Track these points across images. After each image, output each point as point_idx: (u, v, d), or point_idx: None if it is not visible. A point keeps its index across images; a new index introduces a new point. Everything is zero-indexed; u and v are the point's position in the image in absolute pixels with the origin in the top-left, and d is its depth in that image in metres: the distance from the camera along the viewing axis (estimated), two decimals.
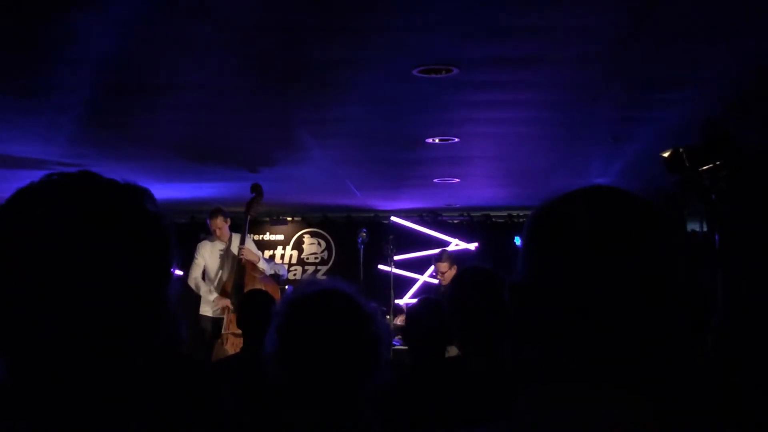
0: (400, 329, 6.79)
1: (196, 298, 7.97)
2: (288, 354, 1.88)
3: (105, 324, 1.03)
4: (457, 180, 8.48)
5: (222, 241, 7.95)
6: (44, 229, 1.02)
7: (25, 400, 1.02)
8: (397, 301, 9.16)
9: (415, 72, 4.52)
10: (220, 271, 7.95)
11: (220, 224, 7.89)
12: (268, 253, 10.31)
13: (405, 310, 8.69)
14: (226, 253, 7.95)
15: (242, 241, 7.77)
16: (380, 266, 9.56)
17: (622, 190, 1.09)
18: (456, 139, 6.41)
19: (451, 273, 7.87)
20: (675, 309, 1.02)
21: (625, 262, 1.02)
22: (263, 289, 6.16)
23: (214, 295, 7.81)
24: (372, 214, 10.70)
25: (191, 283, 7.98)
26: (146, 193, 1.12)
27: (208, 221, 8.01)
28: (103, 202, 1.06)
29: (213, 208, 8.06)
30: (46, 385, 1.02)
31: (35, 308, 1.00)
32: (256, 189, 7.75)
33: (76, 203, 1.05)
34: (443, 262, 8.24)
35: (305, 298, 1.92)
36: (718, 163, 4.76)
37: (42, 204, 1.05)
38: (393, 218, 10.64)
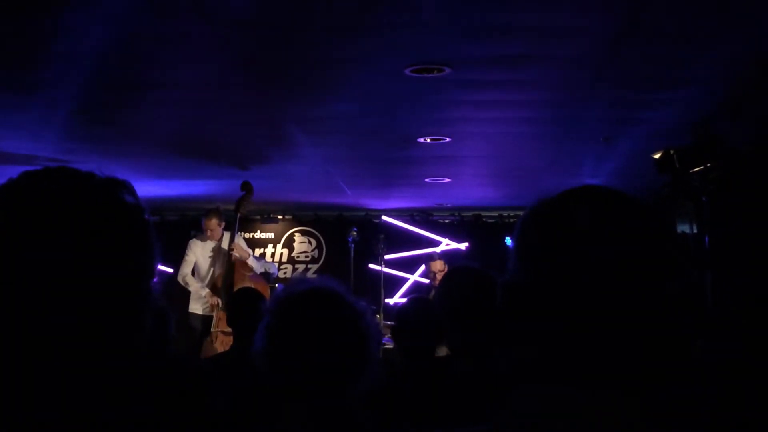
0: (390, 328, 6.79)
1: (185, 296, 7.96)
2: (278, 352, 1.87)
3: (85, 318, 1.02)
4: (449, 180, 8.49)
5: (212, 239, 7.96)
6: (22, 224, 1.02)
7: (11, 399, 1.01)
8: (387, 300, 9.16)
9: (407, 71, 4.52)
10: (211, 269, 7.95)
11: (214, 226, 7.88)
12: (258, 252, 10.29)
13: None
14: (216, 251, 7.95)
15: (232, 239, 7.77)
16: (371, 265, 9.56)
17: (615, 190, 1.09)
18: (448, 139, 6.41)
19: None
20: (668, 309, 1.02)
21: (618, 262, 1.02)
22: (253, 287, 6.15)
23: (206, 290, 7.81)
24: (363, 213, 10.70)
25: (180, 279, 7.98)
26: (125, 185, 1.11)
27: (202, 220, 8.01)
28: (80, 194, 1.06)
29: (210, 208, 8.05)
30: (27, 383, 1.02)
31: (12, 304, 1.00)
32: (246, 187, 7.74)
33: (53, 197, 1.04)
34: (438, 260, 8.26)
35: (295, 296, 1.92)
36: (708, 164, 4.78)
37: (20, 199, 1.04)
38: (384, 217, 10.63)
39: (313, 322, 1.88)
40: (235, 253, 7.70)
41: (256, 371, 1.91)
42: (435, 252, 9.02)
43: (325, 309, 1.90)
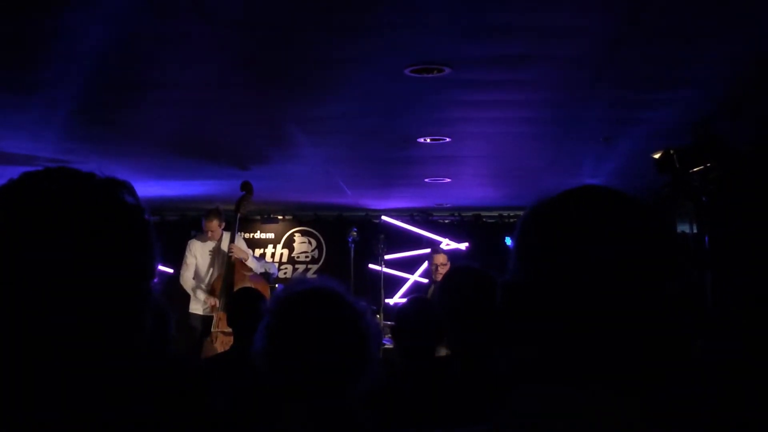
0: (390, 328, 6.79)
1: (185, 296, 7.97)
2: (278, 352, 1.88)
3: (85, 318, 1.02)
4: (449, 180, 8.49)
5: (213, 239, 7.96)
6: (22, 224, 1.02)
7: (11, 399, 1.01)
8: (387, 300, 9.16)
9: (407, 71, 4.52)
10: (211, 270, 7.95)
11: (214, 227, 7.90)
12: (258, 252, 10.29)
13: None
14: (216, 252, 7.95)
15: (232, 239, 7.77)
16: (371, 265, 9.56)
17: (615, 190, 1.09)
18: (447, 139, 6.41)
19: (447, 268, 7.88)
20: (668, 309, 1.03)
21: (618, 262, 1.02)
22: (253, 287, 6.15)
23: (204, 294, 7.81)
24: (363, 213, 10.70)
25: (183, 282, 7.98)
26: (125, 186, 1.11)
27: (203, 220, 8.01)
28: (80, 195, 1.06)
29: (210, 209, 8.05)
30: (28, 383, 1.01)
31: (13, 304, 1.00)
32: (246, 187, 7.75)
33: (53, 197, 1.04)
34: (441, 254, 8.26)
35: (295, 296, 1.92)
36: (708, 164, 4.78)
37: (20, 199, 1.04)
38: (384, 217, 10.63)
39: (313, 322, 1.88)
40: (235, 254, 7.70)
41: (256, 371, 1.91)
42: (439, 245, 9.00)
43: (325, 309, 1.90)
